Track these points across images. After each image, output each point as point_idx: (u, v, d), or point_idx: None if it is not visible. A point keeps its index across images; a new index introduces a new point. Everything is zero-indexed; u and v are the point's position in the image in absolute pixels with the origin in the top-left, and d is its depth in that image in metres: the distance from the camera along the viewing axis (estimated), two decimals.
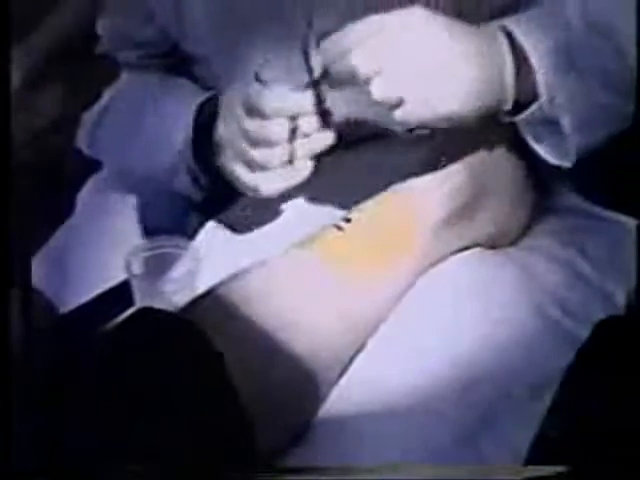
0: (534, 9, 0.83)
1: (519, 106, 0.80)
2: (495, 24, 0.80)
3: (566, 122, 0.79)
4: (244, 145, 0.85)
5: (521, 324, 0.81)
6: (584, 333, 0.77)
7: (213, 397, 0.69)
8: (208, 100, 0.93)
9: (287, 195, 0.89)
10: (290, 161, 0.85)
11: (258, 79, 0.85)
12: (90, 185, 1.12)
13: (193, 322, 0.70)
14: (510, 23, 0.79)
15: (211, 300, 0.76)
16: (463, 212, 0.85)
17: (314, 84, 0.84)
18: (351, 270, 0.80)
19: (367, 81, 0.75)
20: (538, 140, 0.82)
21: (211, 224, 0.95)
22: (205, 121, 0.92)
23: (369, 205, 0.84)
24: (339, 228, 0.82)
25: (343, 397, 0.77)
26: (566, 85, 0.78)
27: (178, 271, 0.86)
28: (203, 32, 0.97)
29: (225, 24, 0.95)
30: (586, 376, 0.74)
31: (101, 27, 1.04)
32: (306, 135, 0.84)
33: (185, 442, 0.66)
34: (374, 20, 0.77)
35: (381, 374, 0.78)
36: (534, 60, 0.78)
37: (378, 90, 0.75)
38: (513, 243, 0.91)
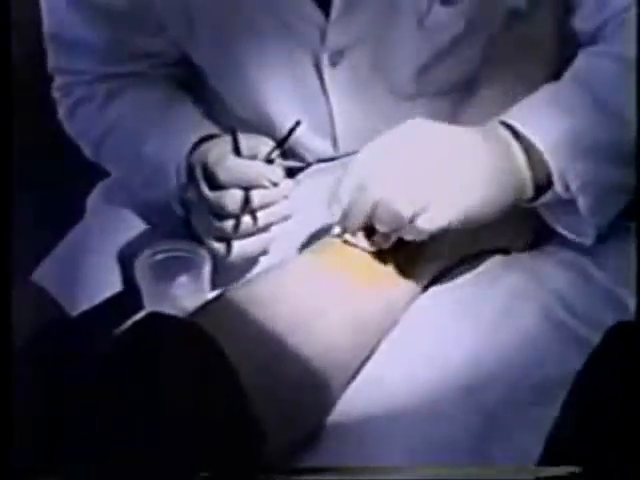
0: (530, 99, 0.83)
1: (538, 190, 0.81)
2: (494, 121, 0.81)
3: (582, 204, 0.81)
4: (206, 213, 0.86)
5: (529, 327, 0.81)
6: (593, 336, 0.77)
7: (222, 401, 0.68)
8: (201, 140, 0.93)
9: None
10: (253, 233, 0.85)
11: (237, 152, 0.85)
12: (100, 189, 1.12)
13: (201, 326, 0.70)
14: (507, 118, 0.80)
15: (221, 304, 0.76)
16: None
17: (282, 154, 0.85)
18: (361, 276, 0.80)
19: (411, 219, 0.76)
20: (556, 221, 0.85)
21: None
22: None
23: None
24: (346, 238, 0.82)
25: (354, 400, 0.77)
26: (576, 168, 0.79)
27: (187, 275, 0.85)
28: (212, 48, 0.98)
29: (232, 40, 0.96)
30: (597, 381, 0.74)
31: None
32: (264, 207, 0.84)
33: (195, 446, 0.66)
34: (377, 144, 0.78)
35: (391, 378, 0.78)
36: (542, 148, 0.79)
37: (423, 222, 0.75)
38: (526, 249, 0.91)
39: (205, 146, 0.90)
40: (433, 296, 0.86)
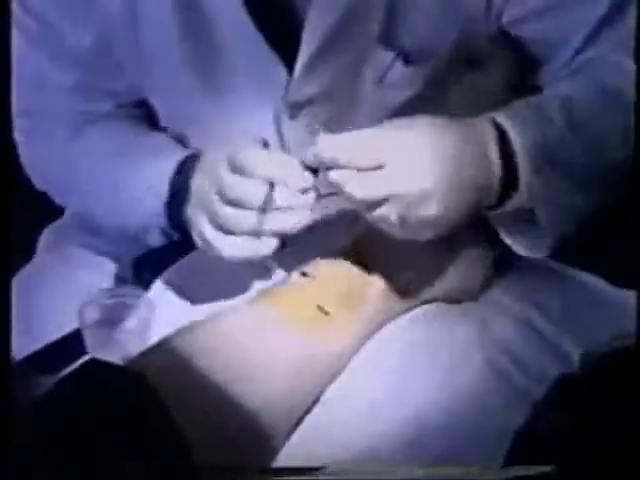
0: (522, 102, 0.83)
1: (500, 199, 0.80)
2: (488, 117, 0.80)
3: (542, 216, 0.80)
4: (217, 201, 0.81)
5: (474, 379, 0.81)
6: (537, 389, 0.78)
7: (161, 451, 0.68)
8: (187, 158, 0.91)
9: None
10: (257, 233, 0.80)
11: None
12: (50, 231, 1.11)
13: (141, 375, 0.69)
14: (498, 115, 0.80)
15: (163, 351, 0.76)
16: None
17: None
18: (305, 325, 0.79)
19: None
20: (510, 234, 0.84)
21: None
22: (182, 180, 0.89)
23: (325, 261, 0.84)
24: (294, 283, 0.82)
25: (296, 450, 0.77)
26: (544, 178, 0.79)
27: (131, 321, 0.85)
28: (171, 90, 0.98)
29: (192, 88, 0.96)
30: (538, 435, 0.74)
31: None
32: (278, 208, 0.80)
33: None
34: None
35: (333, 429, 0.78)
36: (518, 155, 0.78)
37: (358, 189, 0.74)
38: (474, 298, 0.91)
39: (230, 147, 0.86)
40: (381, 344, 0.85)
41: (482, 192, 0.78)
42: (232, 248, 0.81)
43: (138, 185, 0.92)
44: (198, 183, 0.85)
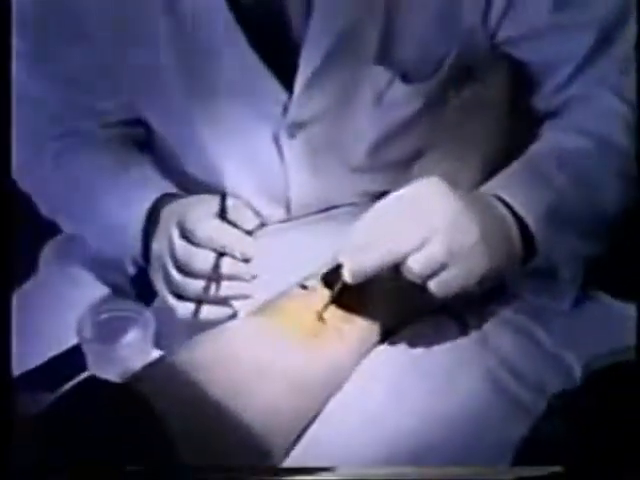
0: (510, 171, 0.86)
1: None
2: (488, 193, 0.83)
3: (564, 274, 0.86)
4: (170, 266, 0.85)
5: (473, 392, 0.80)
6: (537, 402, 0.78)
7: (159, 469, 0.67)
8: (160, 199, 0.93)
9: None
10: (205, 299, 0.84)
11: (222, 216, 0.85)
12: (52, 245, 1.11)
13: (139, 392, 0.69)
14: (500, 191, 0.82)
15: (161, 368, 0.76)
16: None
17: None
18: (304, 338, 0.79)
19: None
20: (530, 290, 0.89)
21: None
22: (150, 228, 0.92)
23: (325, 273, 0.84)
24: (293, 296, 0.82)
25: (297, 465, 0.76)
26: (559, 241, 0.83)
27: (131, 336, 0.85)
28: (168, 114, 0.98)
29: (191, 108, 0.96)
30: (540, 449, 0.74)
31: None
32: (229, 278, 0.84)
33: None
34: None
35: (334, 444, 0.77)
36: (530, 222, 0.81)
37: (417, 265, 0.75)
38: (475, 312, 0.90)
39: (183, 201, 0.90)
40: (380, 357, 0.85)
41: (509, 260, 0.80)
42: (186, 310, 0.85)
43: (120, 212, 0.94)
44: (155, 247, 0.89)
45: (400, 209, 0.77)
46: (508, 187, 0.83)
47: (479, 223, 0.76)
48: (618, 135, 0.89)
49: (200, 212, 0.85)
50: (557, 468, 0.67)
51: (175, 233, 0.84)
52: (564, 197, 0.84)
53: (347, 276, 0.77)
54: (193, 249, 0.83)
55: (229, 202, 0.85)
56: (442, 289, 0.76)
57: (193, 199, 0.90)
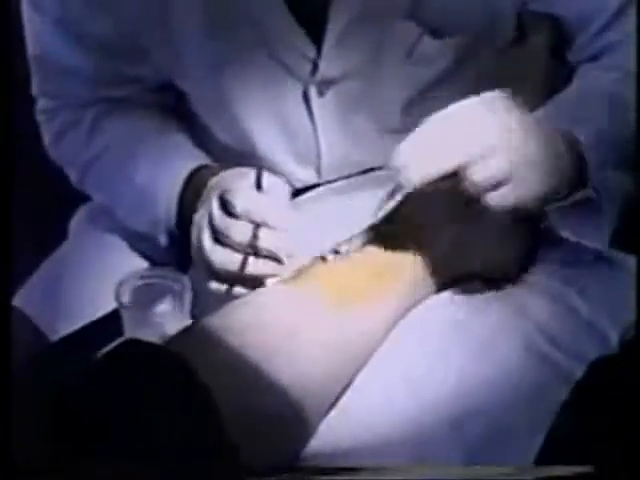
0: (559, 100, 0.86)
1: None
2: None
3: (606, 208, 0.83)
4: (208, 238, 0.84)
5: (512, 360, 0.80)
6: (576, 369, 0.78)
7: (199, 431, 0.68)
8: (197, 170, 0.93)
9: None
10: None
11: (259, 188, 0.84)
12: (83, 212, 1.12)
13: (178, 354, 0.69)
14: (550, 117, 0.81)
15: (196, 332, 0.76)
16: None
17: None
18: (340, 302, 0.79)
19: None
20: (567, 227, 0.85)
21: None
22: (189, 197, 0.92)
23: (359, 237, 0.84)
24: (327, 259, 0.82)
25: (333, 429, 0.76)
26: (607, 171, 0.82)
27: (168, 302, 0.85)
28: (198, 77, 0.98)
29: (221, 68, 0.96)
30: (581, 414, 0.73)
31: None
32: (263, 252, 0.82)
33: (171, 476, 0.65)
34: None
35: (371, 406, 0.77)
36: (585, 143, 0.80)
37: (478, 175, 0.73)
38: (512, 279, 0.90)
39: (225, 174, 0.90)
40: (415, 323, 0.84)
41: (559, 183, 0.78)
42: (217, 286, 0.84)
43: (154, 183, 0.95)
44: (197, 218, 0.88)
45: (461, 120, 0.75)
46: (558, 115, 0.82)
47: (539, 142, 0.75)
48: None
49: (240, 184, 0.84)
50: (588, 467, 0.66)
51: (215, 204, 0.84)
52: (607, 127, 0.82)
53: (405, 181, 0.74)
54: (232, 221, 0.82)
55: (265, 175, 0.85)
56: (501, 203, 0.74)
57: (234, 171, 0.90)
